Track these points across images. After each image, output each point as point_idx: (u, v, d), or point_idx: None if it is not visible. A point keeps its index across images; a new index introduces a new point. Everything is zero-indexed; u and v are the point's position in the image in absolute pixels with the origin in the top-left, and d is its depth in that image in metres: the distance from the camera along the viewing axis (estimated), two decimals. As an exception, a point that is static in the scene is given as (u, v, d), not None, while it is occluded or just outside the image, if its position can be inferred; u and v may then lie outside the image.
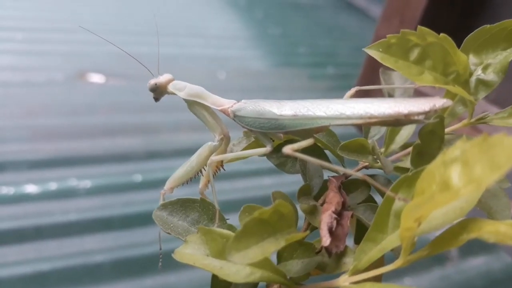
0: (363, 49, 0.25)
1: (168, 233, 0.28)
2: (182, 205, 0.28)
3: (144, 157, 1.23)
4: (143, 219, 1.01)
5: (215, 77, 1.83)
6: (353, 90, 0.33)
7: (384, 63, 0.23)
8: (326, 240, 0.25)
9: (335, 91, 1.81)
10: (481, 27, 0.24)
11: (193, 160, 0.29)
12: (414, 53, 0.24)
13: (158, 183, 1.12)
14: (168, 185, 0.29)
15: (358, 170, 0.32)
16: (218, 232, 0.23)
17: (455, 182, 0.19)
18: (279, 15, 2.70)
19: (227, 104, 0.28)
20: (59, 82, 1.53)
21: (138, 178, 1.13)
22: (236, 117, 0.28)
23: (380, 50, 0.24)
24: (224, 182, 1.16)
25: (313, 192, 0.30)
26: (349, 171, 0.28)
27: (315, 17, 2.83)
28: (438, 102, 0.25)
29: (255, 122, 0.27)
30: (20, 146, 1.17)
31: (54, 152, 1.17)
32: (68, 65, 1.63)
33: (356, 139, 0.29)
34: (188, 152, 0.37)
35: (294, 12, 2.83)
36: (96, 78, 1.60)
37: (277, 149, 0.29)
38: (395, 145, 0.32)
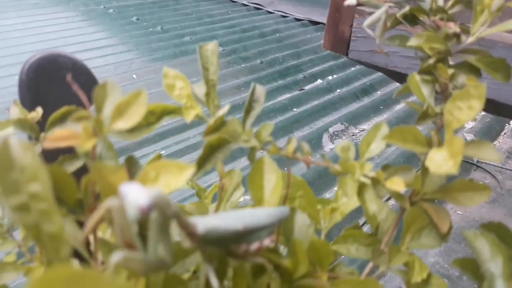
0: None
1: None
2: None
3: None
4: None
5: (132, 78, 1.93)
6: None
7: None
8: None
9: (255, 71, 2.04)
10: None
11: None
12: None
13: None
14: None
15: None
16: None
17: None
18: (150, 14, 2.79)
19: None
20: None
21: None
22: None
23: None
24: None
25: None
26: None
27: (183, 8, 2.97)
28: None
29: None
30: None
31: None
32: None
33: None
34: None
35: (159, 8, 2.94)
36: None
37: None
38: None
